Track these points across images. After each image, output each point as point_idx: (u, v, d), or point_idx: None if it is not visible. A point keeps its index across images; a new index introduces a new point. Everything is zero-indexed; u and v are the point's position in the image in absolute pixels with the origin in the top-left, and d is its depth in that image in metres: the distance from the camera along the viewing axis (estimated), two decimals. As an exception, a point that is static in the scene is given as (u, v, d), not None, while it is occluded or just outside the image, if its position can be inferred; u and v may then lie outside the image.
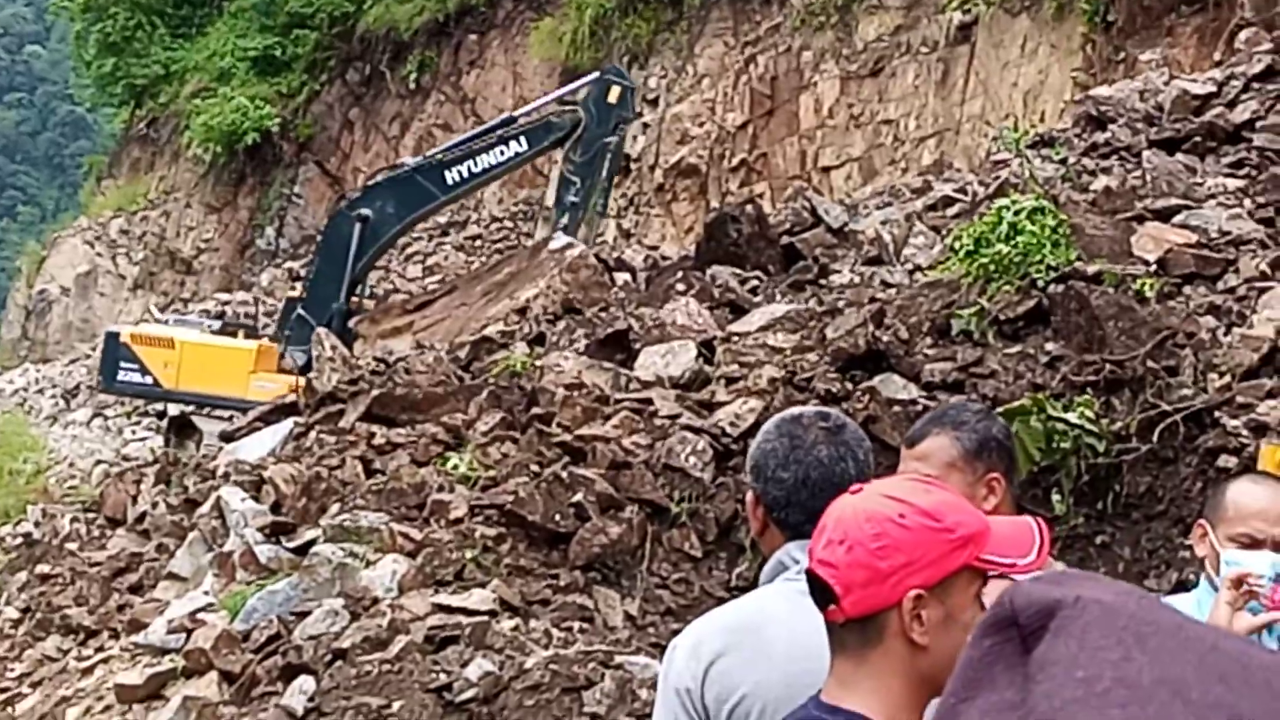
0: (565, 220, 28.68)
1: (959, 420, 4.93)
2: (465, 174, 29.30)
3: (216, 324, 34.48)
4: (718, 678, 3.85)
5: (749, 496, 4.10)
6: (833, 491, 3.85)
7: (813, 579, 3.16)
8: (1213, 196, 14.11)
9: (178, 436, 30.53)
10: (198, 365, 31.12)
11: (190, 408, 31.20)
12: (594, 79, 30.09)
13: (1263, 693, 1.07)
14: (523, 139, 29.30)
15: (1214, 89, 16.68)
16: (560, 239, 25.75)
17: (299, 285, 32.24)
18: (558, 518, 11.16)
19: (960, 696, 1.19)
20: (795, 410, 4.23)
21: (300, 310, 30.08)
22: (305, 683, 9.95)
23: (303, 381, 27.73)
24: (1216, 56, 20.36)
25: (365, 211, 29.70)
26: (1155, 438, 10.92)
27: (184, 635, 11.32)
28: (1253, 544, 4.91)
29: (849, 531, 3.09)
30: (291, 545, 11.78)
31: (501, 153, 29.38)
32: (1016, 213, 12.58)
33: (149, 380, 31.90)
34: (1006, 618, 1.19)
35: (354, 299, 30.09)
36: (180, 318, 37.02)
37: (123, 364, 32.17)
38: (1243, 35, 19.25)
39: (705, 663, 3.87)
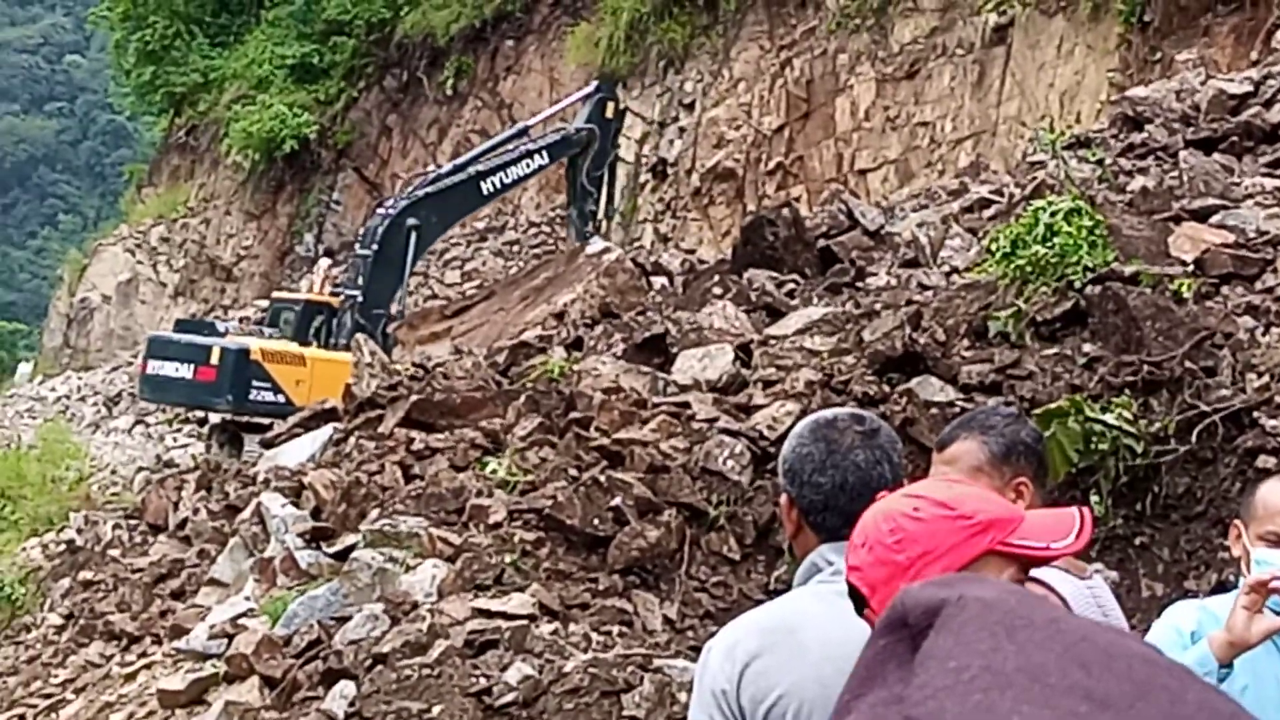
0: (590, 228, 31.15)
1: (987, 424, 4.93)
2: (499, 184, 32.14)
3: (233, 325, 34.81)
4: (753, 679, 3.87)
5: (783, 500, 4.11)
6: (870, 495, 3.87)
7: (851, 588, 3.19)
8: (1250, 196, 14.07)
9: (229, 446, 30.48)
10: (331, 381, 30.28)
11: (243, 419, 30.98)
12: (590, 94, 32.85)
13: (1121, 678, 1.14)
14: (544, 153, 31.92)
15: (1250, 88, 16.65)
16: (597, 243, 25.92)
17: (343, 292, 32.23)
18: (596, 522, 11.19)
19: (854, 694, 1.25)
20: (829, 413, 4.23)
21: (359, 317, 30.11)
22: (346, 687, 10.00)
23: None
24: (1253, 56, 20.30)
25: (415, 221, 30.61)
26: (1194, 438, 10.90)
27: (225, 641, 11.38)
28: (1279, 542, 4.92)
29: (868, 533, 3.11)
30: (331, 550, 11.83)
31: (528, 165, 31.96)
32: (1053, 214, 12.57)
33: (281, 399, 30.33)
34: (898, 619, 1.25)
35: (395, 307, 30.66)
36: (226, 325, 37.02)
37: (256, 383, 30.99)
38: (1279, 35, 19.20)
39: (741, 664, 3.89)
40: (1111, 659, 1.15)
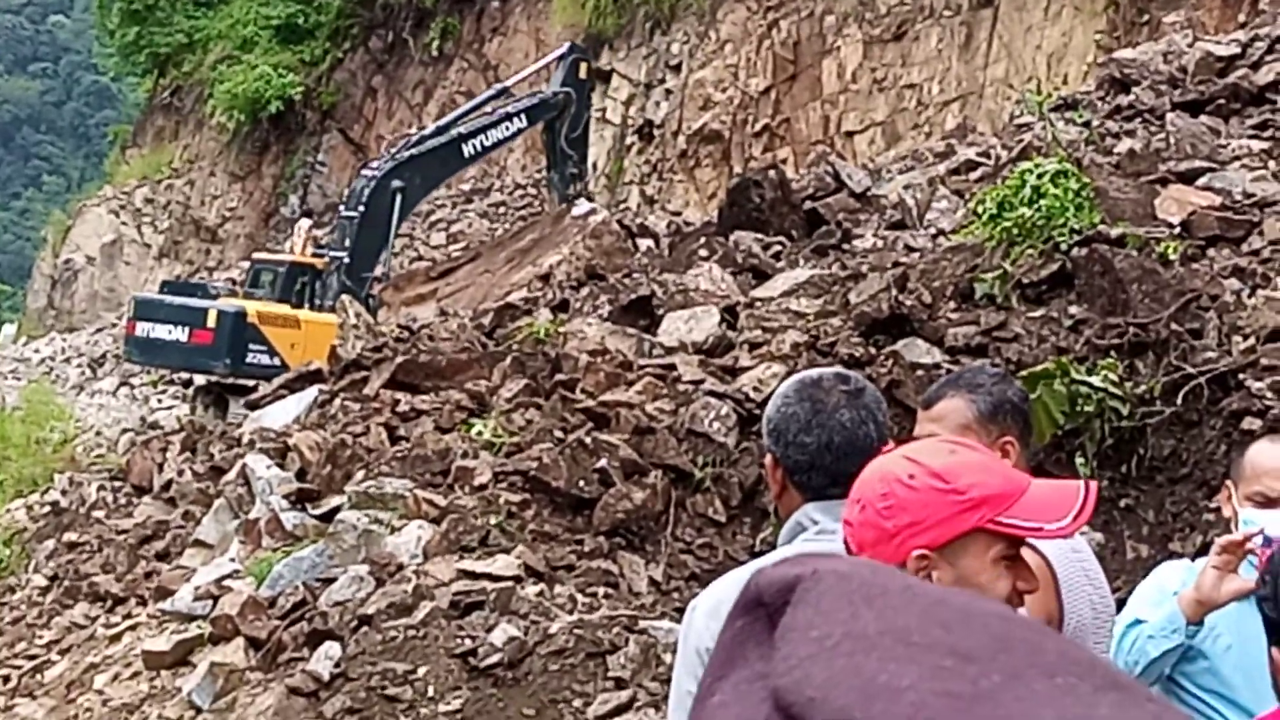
0: (572, 190, 31.30)
1: (974, 383, 4.92)
2: (480, 147, 32.56)
3: (222, 286, 34.86)
4: (737, 639, 3.85)
5: (768, 460, 4.10)
6: (856, 454, 3.86)
7: (845, 539, 3.18)
8: (1237, 159, 14.07)
9: (214, 408, 30.41)
10: (322, 343, 30.21)
11: (229, 380, 30.88)
12: (564, 55, 33.17)
13: (980, 633, 1.17)
14: (523, 116, 32.20)
15: (1238, 50, 16.62)
16: (583, 205, 25.90)
17: (325, 254, 32.22)
18: (582, 483, 11.19)
19: (715, 675, 1.26)
20: (814, 373, 4.22)
21: (345, 279, 30.03)
22: (331, 648, 10.01)
23: None
24: (1240, 18, 20.28)
25: (399, 183, 30.68)
26: (1179, 401, 10.91)
27: (210, 602, 11.38)
28: (1267, 502, 4.93)
29: (862, 491, 3.10)
30: (317, 512, 11.83)
31: (507, 128, 32.19)
32: (1040, 176, 12.56)
33: (277, 362, 29.79)
34: (754, 599, 1.26)
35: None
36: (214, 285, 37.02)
37: (252, 346, 30.91)
38: (1267, -4, 19.17)
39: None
40: (969, 617, 1.18)
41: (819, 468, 3.95)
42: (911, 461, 3.09)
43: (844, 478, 3.84)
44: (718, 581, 4.16)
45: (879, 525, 3.02)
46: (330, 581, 10.76)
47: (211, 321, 31.32)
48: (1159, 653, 4.96)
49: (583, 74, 32.46)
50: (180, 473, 15.20)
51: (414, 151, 32.14)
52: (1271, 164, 13.87)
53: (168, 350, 32.18)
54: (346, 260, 31.00)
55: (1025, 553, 3.19)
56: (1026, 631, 1.18)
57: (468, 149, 31.88)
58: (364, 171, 33.15)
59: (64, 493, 18.55)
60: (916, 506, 3.02)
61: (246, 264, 45.25)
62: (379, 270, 30.24)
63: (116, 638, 12.36)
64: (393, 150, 33.55)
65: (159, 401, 35.83)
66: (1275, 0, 18.57)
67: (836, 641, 1.15)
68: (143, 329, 32.48)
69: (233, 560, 11.99)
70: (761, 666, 1.19)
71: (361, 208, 31.06)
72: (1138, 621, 5.07)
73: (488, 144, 32.19)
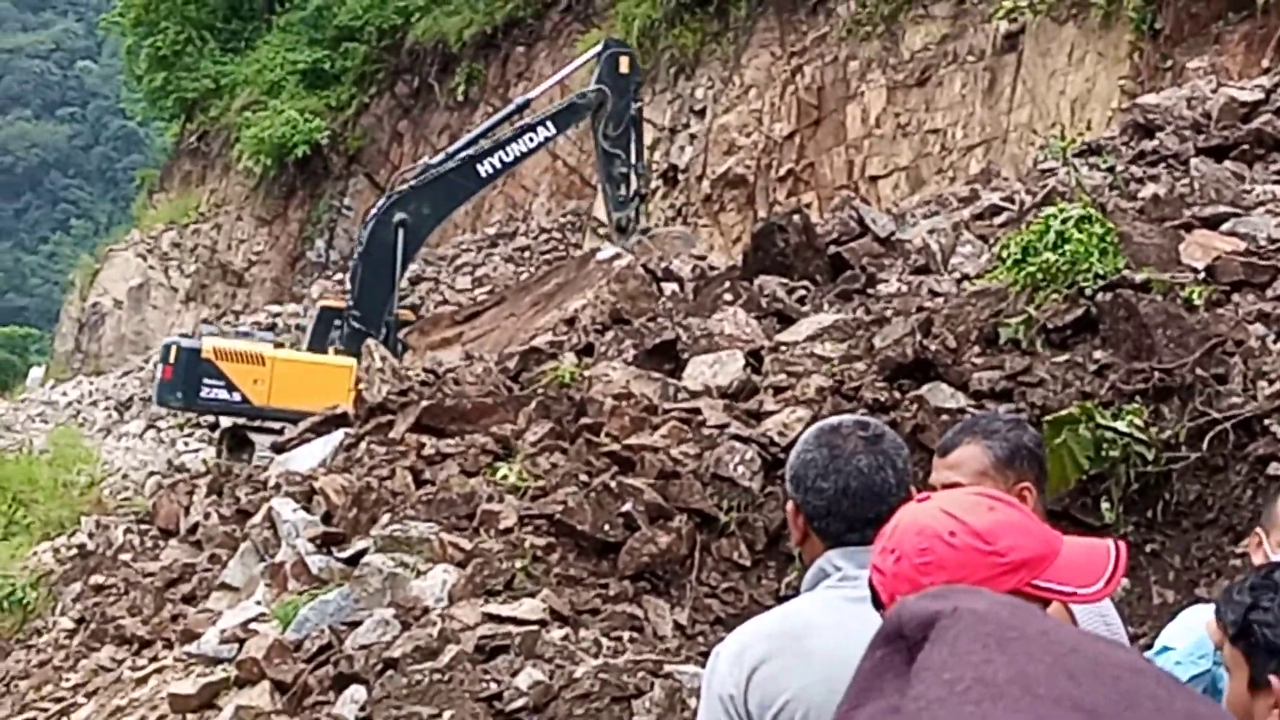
0: (623, 191, 29.52)
1: (990, 429, 4.95)
2: (499, 164, 30.05)
3: (267, 335, 34.45)
4: (761, 684, 3.88)
5: (789, 506, 4.12)
6: (873, 500, 3.88)
7: (871, 584, 3.17)
8: (1261, 204, 14.08)
9: (232, 450, 30.53)
10: (293, 382, 30.40)
11: (257, 421, 31.00)
12: (600, 53, 30.74)
13: (1108, 686, 1.17)
14: (549, 124, 30.23)
15: (1262, 96, 16.65)
16: (608, 249, 25.82)
17: (346, 296, 32.18)
18: (607, 527, 11.20)
19: (852, 704, 1.28)
20: (834, 419, 4.25)
21: (353, 323, 30.00)
22: (356, 692, 10.02)
23: None
24: (1265, 64, 20.30)
25: (403, 216, 29.74)
26: (1205, 446, 10.90)
27: (236, 645, 11.40)
28: None
29: (900, 543, 3.07)
30: (343, 555, 11.85)
31: (531, 139, 30.07)
32: (1064, 221, 12.57)
33: (236, 397, 31.21)
34: (894, 630, 1.28)
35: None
36: (240, 330, 36.86)
37: (207, 380, 31.48)
38: (1291, 42, 19.20)
39: (748, 669, 3.90)
40: (1099, 669, 1.18)
41: (836, 513, 3.97)
42: (952, 518, 3.07)
43: (861, 523, 3.87)
44: (741, 628, 4.18)
45: (915, 580, 3.00)
46: (356, 625, 10.77)
47: (173, 357, 32.26)
48: (1187, 678, 4.97)
49: (624, 68, 30.30)
50: (206, 516, 15.25)
51: (416, 181, 31.33)
52: (1295, 209, 13.88)
53: (158, 388, 33.26)
54: (351, 301, 31.00)
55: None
56: (1157, 687, 1.19)
57: (484, 168, 30.18)
58: (374, 211, 32.60)
59: (91, 535, 18.62)
60: (956, 565, 2.99)
61: (274, 307, 45.46)
62: (394, 308, 29.81)
63: (143, 680, 12.39)
64: (400, 186, 32.70)
65: (185, 444, 35.93)
66: (1299, 46, 18.60)
67: (966, 687, 1.16)
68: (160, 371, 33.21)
69: (258, 603, 12.02)
70: (896, 700, 1.21)
71: (361, 246, 30.99)
72: (1166, 649, 5.09)
73: (507, 160, 30.34)
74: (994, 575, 2.99)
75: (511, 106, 32.29)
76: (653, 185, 36.75)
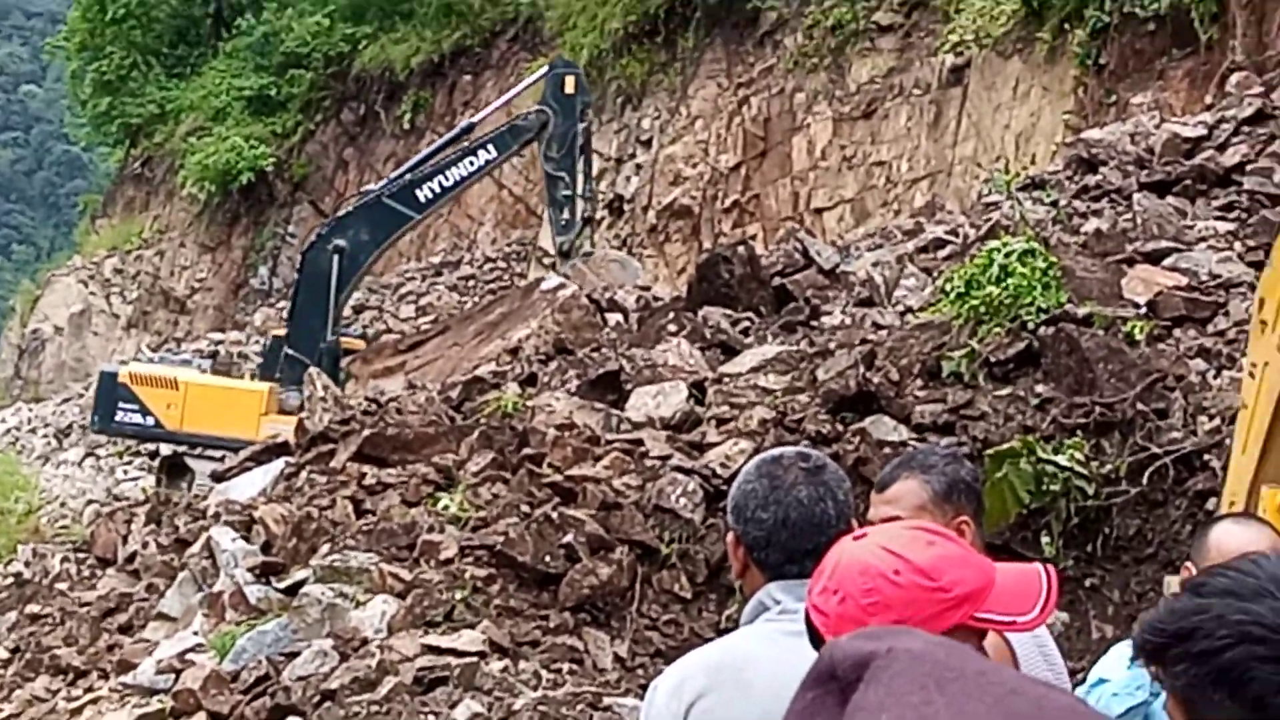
0: (566, 214, 28.76)
1: (927, 464, 4.94)
2: (438, 189, 29.16)
3: (206, 363, 34.23)
4: (699, 717, 3.84)
5: (730, 537, 4.09)
6: (812, 531, 3.86)
7: (809, 621, 3.13)
8: (1203, 239, 14.16)
9: (169, 476, 30.38)
10: (205, 407, 30.59)
11: (184, 448, 31.02)
12: (546, 74, 30.14)
13: None
14: (490, 146, 29.32)
15: (1204, 132, 16.75)
16: (552, 279, 25.78)
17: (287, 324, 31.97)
18: (548, 559, 11.15)
19: None
20: (775, 451, 4.22)
21: (288, 350, 29.78)
22: (294, 724, 9.94)
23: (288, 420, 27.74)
24: (1207, 100, 20.44)
25: (340, 242, 29.26)
26: (1145, 480, 10.93)
27: (173, 676, 11.30)
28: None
29: (842, 582, 3.04)
30: (281, 585, 11.77)
31: (471, 163, 29.32)
32: (1007, 255, 12.61)
33: (150, 421, 31.40)
34: (826, 671, 1.24)
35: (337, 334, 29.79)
36: (165, 357, 36.63)
37: (121, 404, 31.70)
38: (1233, 79, 19.33)
39: (687, 702, 3.86)
40: (1041, 711, 1.15)
41: (776, 544, 3.94)
42: (894, 555, 3.05)
43: (801, 555, 3.84)
44: (679, 661, 4.15)
45: (861, 620, 2.97)
46: (294, 656, 10.69)
47: (95, 382, 33.15)
48: (1123, 709, 4.95)
49: (569, 89, 29.49)
50: (144, 545, 15.12)
51: (354, 207, 30.95)
52: (1237, 245, 13.96)
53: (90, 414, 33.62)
54: (287, 329, 30.83)
55: (993, 638, 3.19)
56: None
57: (423, 193, 29.40)
58: (313, 238, 32.22)
59: (27, 564, 18.44)
60: (902, 604, 2.97)
61: (216, 334, 45.28)
62: (328, 336, 29.40)
63: (78, 711, 12.25)
64: (339, 213, 32.25)
65: (125, 473, 35.70)
66: (1241, 83, 18.72)
67: None
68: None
69: (196, 634, 11.92)
70: None
71: (299, 273, 30.74)
72: (1102, 681, 5.07)
73: (447, 184, 29.48)
74: (940, 611, 2.97)
75: (456, 130, 31.90)
76: (599, 215, 36.61)
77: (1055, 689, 1.21)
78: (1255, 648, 2.23)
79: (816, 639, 3.07)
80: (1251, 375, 8.38)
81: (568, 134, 28.95)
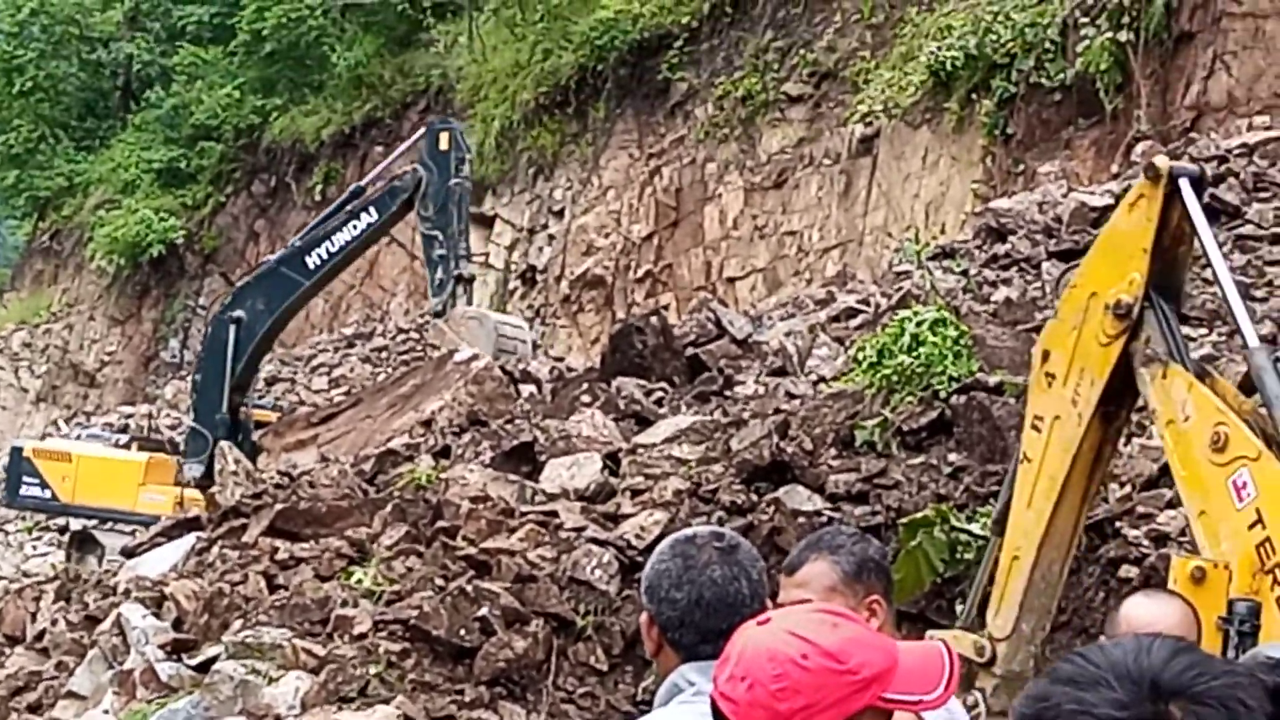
0: (440, 274, 28.11)
1: (835, 544, 4.95)
2: (325, 255, 28.58)
3: (124, 438, 34.12)
4: (617, 800, 3.83)
5: (644, 617, 4.08)
6: (726, 611, 3.85)
7: (715, 708, 3.11)
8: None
9: (79, 551, 30.18)
10: (91, 479, 31.06)
11: (92, 522, 30.92)
12: (422, 134, 29.81)
13: None
14: (371, 209, 28.51)
15: (1111, 200, 16.91)
16: (465, 350, 25.67)
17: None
18: (463, 632, 11.10)
19: None
20: (689, 530, 4.22)
21: (191, 423, 29.73)
22: (206, 803, 9.83)
23: (192, 494, 27.82)
24: (1114, 169, 20.68)
25: (238, 314, 29.05)
26: (1057, 548, 10.96)
27: (83, 756, 11.16)
28: None
29: (750, 669, 3.04)
30: (193, 662, 11.66)
31: (355, 227, 28.67)
32: (919, 324, 12.69)
33: (48, 494, 31.64)
34: None
35: (244, 407, 29.57)
36: (90, 432, 36.40)
37: (25, 478, 31.90)
38: (1139, 148, 19.58)
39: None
40: None
41: (689, 624, 3.93)
42: (801, 639, 3.05)
43: (715, 635, 3.82)
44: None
45: (772, 707, 2.97)
46: (206, 734, 10.59)
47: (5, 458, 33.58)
48: None
49: (443, 145, 28.48)
50: (54, 622, 14.94)
51: (251, 276, 30.74)
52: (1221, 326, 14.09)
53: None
54: (190, 403, 30.78)
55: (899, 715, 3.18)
56: None
57: (312, 260, 28.76)
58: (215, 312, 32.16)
59: (-66, 642, 18.17)
60: (811, 689, 2.97)
61: (126, 409, 44.91)
62: (224, 406, 29.24)
63: (-15, 793, 12.08)
64: (237, 285, 32.09)
65: (34, 548, 35.32)
66: (1147, 152, 18.95)
67: None
68: None
69: (106, 713, 11.78)
70: None
71: (203, 345, 30.71)
72: None
73: (334, 250, 28.71)
74: (850, 694, 2.98)
75: (344, 195, 30.86)
76: (511, 285, 36.55)
77: None
78: None
79: None
80: (1036, 429, 8.49)
81: (440, 191, 28.37)
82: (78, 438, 34.95)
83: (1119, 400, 8.46)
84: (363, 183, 30.99)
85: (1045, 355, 8.52)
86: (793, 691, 2.97)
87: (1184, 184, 8.01)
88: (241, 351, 29.02)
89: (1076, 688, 2.30)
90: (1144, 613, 5.09)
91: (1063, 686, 2.32)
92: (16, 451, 32.85)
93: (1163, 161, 8.11)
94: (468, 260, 28.39)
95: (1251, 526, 7.58)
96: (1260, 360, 8.03)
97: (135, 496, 29.83)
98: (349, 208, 29.07)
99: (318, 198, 46.09)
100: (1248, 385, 8.42)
